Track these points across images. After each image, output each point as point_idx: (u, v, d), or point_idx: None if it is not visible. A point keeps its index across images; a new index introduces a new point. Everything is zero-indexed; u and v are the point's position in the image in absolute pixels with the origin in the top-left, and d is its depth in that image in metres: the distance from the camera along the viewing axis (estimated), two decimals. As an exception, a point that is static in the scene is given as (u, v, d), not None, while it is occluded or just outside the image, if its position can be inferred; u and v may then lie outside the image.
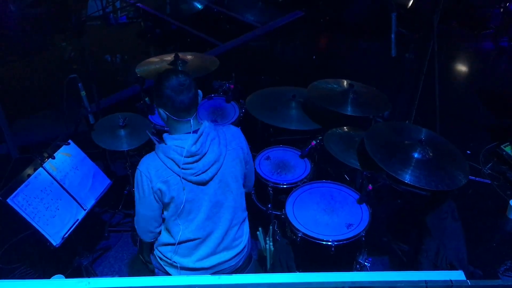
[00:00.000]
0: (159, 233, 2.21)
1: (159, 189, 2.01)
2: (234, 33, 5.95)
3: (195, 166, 2.01)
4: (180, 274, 2.20)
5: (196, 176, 2.02)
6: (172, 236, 2.15)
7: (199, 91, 2.05)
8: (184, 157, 1.98)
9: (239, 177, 2.17)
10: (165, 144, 2.02)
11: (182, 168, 1.99)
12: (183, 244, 2.16)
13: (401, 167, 2.50)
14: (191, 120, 2.02)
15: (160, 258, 2.26)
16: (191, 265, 2.18)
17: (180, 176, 2.00)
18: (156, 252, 2.28)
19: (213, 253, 2.19)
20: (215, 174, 2.06)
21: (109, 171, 3.71)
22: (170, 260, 2.19)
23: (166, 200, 2.04)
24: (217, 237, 2.17)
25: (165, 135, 2.05)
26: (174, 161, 1.99)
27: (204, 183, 2.05)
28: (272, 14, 6.56)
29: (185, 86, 1.95)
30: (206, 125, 2.04)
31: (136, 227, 2.22)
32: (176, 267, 2.20)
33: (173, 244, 2.15)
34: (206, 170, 2.03)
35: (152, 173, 2.00)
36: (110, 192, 2.91)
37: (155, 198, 2.04)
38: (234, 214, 2.20)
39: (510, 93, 4.96)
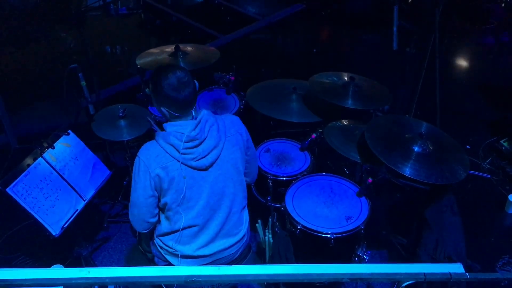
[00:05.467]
0: (154, 224, 2.21)
1: (157, 175, 2.01)
2: (235, 25, 5.93)
3: (194, 151, 2.02)
4: (180, 262, 2.21)
5: (196, 161, 2.02)
6: (173, 224, 2.15)
7: (195, 81, 2.07)
8: (184, 142, 1.98)
9: (239, 164, 2.17)
10: (165, 131, 2.03)
11: (182, 153, 2.00)
12: (183, 232, 2.16)
13: (401, 161, 2.50)
14: (192, 112, 2.04)
15: (160, 247, 2.26)
16: (191, 252, 2.19)
17: (179, 162, 2.01)
18: (156, 241, 2.29)
19: (213, 240, 2.20)
20: (215, 161, 2.07)
21: (109, 162, 3.71)
22: (171, 248, 2.20)
23: (165, 186, 2.04)
24: (217, 224, 2.18)
25: (165, 124, 2.06)
26: (174, 147, 2.00)
27: (204, 169, 2.06)
28: (273, 7, 6.54)
29: (184, 84, 1.96)
30: (204, 112, 2.06)
31: (130, 216, 2.20)
32: (176, 255, 2.20)
33: (174, 232, 2.16)
34: (206, 155, 2.04)
35: (151, 160, 2.01)
36: (110, 183, 2.90)
37: (151, 185, 2.04)
38: (234, 202, 2.20)
39: (510, 88, 4.96)
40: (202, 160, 2.04)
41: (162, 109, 2.02)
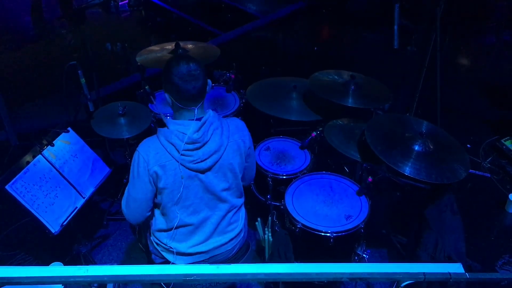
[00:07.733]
0: (148, 217, 2.20)
1: (155, 172, 2.00)
2: (235, 22, 5.92)
3: (194, 154, 1.99)
4: (176, 259, 2.21)
5: (194, 164, 2.01)
6: (168, 221, 2.15)
7: (209, 80, 2.03)
8: (185, 143, 1.96)
9: (237, 169, 2.15)
10: (168, 128, 2.01)
11: (182, 154, 1.98)
12: (179, 230, 2.16)
13: (401, 159, 2.49)
14: (196, 110, 2.00)
15: (157, 244, 2.26)
16: (186, 250, 2.18)
17: (178, 162, 1.99)
18: (152, 238, 2.28)
19: (208, 238, 2.20)
20: (214, 164, 2.05)
21: (108, 160, 3.70)
22: (166, 245, 2.20)
23: (161, 185, 2.03)
24: (213, 222, 2.17)
25: (168, 120, 2.03)
26: (174, 146, 1.98)
27: (201, 172, 2.05)
28: (274, 4, 6.53)
29: (194, 76, 1.93)
30: (210, 114, 2.03)
31: (124, 209, 2.18)
32: (172, 252, 2.20)
33: (169, 230, 2.15)
34: (205, 159, 2.02)
35: (151, 156, 2.00)
36: (109, 181, 2.90)
37: (149, 181, 2.03)
38: (230, 202, 2.20)
39: (511, 87, 4.94)
40: (201, 163, 2.02)
41: (167, 95, 2.01)
